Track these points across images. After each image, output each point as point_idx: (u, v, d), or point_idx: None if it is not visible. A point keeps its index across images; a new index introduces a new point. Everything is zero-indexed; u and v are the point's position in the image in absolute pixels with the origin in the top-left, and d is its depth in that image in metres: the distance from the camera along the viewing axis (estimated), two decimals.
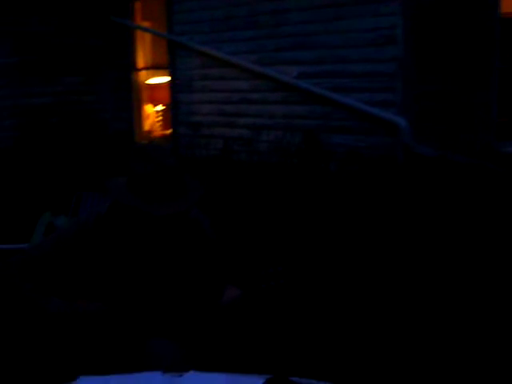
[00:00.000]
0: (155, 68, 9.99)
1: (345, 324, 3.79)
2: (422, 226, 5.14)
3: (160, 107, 10.19)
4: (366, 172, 6.54)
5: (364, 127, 6.84)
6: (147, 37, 9.99)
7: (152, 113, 10.29)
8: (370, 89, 6.77)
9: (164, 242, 2.24)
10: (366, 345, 3.55)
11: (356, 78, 6.87)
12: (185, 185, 2.17)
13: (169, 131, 9.58)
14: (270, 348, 3.42)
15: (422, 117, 6.66)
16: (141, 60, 10.01)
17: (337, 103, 7.01)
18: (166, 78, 9.42)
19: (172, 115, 9.25)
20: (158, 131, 10.15)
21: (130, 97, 9.96)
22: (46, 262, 2.21)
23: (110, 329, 2.16)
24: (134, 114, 10.01)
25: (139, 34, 9.89)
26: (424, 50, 6.61)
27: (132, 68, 9.89)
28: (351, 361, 3.37)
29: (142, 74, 10.06)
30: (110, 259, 2.23)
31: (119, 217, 2.24)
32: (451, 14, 6.82)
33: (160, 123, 10.23)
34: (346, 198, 5.98)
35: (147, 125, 10.25)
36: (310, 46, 7.29)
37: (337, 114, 7.09)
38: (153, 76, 10.17)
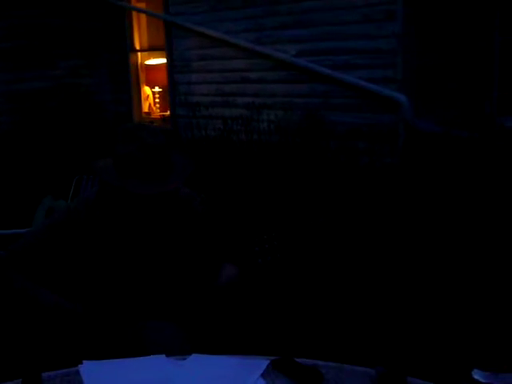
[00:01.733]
0: (152, 49, 9.92)
1: (342, 297, 3.78)
2: (424, 204, 5.11)
3: (157, 89, 10.13)
4: (366, 149, 6.50)
5: (364, 104, 6.78)
6: (143, 18, 9.90)
7: (150, 94, 10.23)
8: (369, 66, 6.70)
9: (153, 221, 2.22)
10: (365, 320, 3.53)
11: (356, 55, 6.80)
12: (171, 164, 2.14)
13: (167, 112, 9.53)
14: (270, 326, 3.40)
15: (423, 93, 6.60)
16: (138, 42, 9.95)
17: (337, 81, 6.95)
18: (163, 60, 9.35)
19: (170, 96, 9.19)
20: (157, 113, 10.10)
21: (128, 79, 9.91)
22: (37, 251, 2.18)
23: (91, 326, 2.14)
24: (132, 96, 9.97)
25: (135, 15, 9.81)
26: (424, 24, 6.53)
27: (129, 50, 9.83)
28: (353, 337, 3.36)
29: (140, 55, 10.00)
30: (101, 244, 2.20)
31: (108, 199, 2.22)
32: None
33: (158, 105, 10.18)
34: (343, 175, 5.94)
35: (146, 107, 10.21)
36: (308, 24, 7.20)
37: (337, 92, 7.03)
38: (150, 58, 10.10)
